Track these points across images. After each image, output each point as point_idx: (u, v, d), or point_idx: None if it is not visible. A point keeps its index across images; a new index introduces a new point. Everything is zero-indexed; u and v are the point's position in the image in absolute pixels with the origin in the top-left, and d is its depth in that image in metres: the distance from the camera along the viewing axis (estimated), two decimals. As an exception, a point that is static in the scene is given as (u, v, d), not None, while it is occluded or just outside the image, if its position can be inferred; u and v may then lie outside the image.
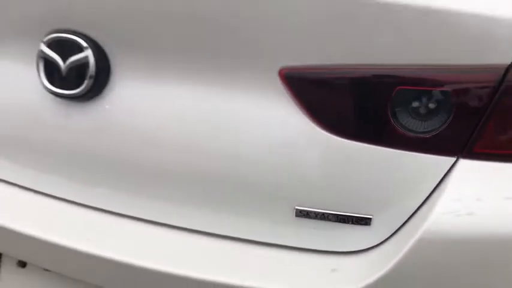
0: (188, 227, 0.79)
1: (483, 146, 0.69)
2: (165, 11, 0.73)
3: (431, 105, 0.68)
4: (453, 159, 0.69)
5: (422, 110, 0.69)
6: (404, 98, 0.69)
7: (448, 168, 0.69)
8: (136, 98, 0.79)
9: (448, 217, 0.66)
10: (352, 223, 0.73)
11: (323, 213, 0.73)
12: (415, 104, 0.69)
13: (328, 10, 0.66)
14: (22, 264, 0.91)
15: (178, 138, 0.77)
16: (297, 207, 0.74)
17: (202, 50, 0.73)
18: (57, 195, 0.87)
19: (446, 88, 0.67)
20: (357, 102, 0.71)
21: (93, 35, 0.78)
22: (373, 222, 0.72)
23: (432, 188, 0.69)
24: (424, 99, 0.68)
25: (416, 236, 0.66)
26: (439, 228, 0.66)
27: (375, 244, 0.72)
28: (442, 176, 0.69)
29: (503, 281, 0.67)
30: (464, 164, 0.69)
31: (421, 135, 0.69)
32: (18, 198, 0.90)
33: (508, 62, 0.65)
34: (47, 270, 0.88)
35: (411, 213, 0.70)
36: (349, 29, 0.67)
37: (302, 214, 0.74)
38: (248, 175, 0.75)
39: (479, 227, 0.65)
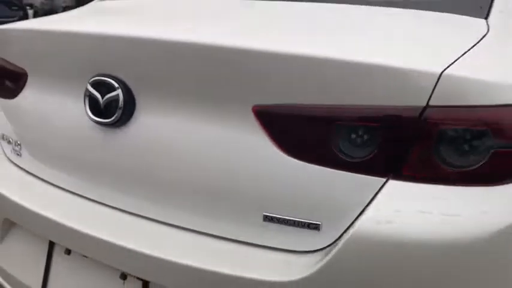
0: (184, 225, 1.02)
1: (408, 170, 0.86)
2: (172, 67, 0.98)
3: (366, 137, 0.87)
4: (384, 179, 0.86)
5: (358, 140, 0.88)
6: (344, 130, 0.88)
7: (379, 187, 0.86)
8: (152, 127, 1.04)
9: (371, 224, 0.83)
10: (306, 228, 0.91)
11: (284, 219, 0.93)
12: (353, 135, 0.88)
13: (285, 69, 0.88)
14: (68, 251, 1.18)
15: (177, 159, 1.01)
16: (264, 213, 0.94)
17: (198, 94, 0.98)
18: (93, 198, 1.14)
19: (376, 124, 0.86)
20: (310, 133, 0.90)
21: (122, 78, 1.04)
22: (322, 228, 0.90)
23: (367, 202, 0.87)
24: (359, 132, 0.87)
25: (345, 238, 0.84)
26: (362, 232, 0.83)
27: (323, 246, 0.90)
28: (375, 192, 0.86)
29: (412, 277, 0.83)
30: (392, 183, 0.86)
31: (358, 160, 0.88)
32: (67, 199, 1.18)
33: (424, 104, 0.83)
34: (85, 256, 1.13)
35: (351, 222, 0.88)
36: (302, 80, 0.88)
37: (268, 219, 0.94)
38: (228, 189, 0.97)
39: (395, 232, 0.82)
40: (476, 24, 1.05)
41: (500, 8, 1.12)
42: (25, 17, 10.45)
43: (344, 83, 0.86)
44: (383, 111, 0.85)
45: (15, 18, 9.89)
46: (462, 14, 1.09)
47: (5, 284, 1.35)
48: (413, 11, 1.13)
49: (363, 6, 1.21)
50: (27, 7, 18.45)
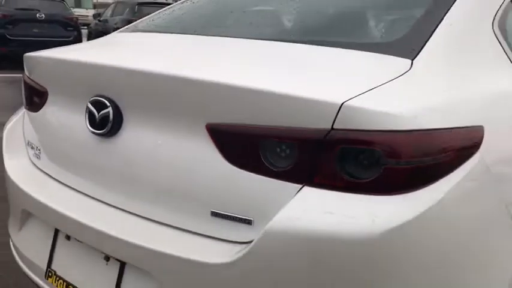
0: (149, 217, 1.28)
1: (318, 179, 1.08)
2: (148, 91, 1.25)
3: (286, 151, 1.10)
4: (299, 186, 1.09)
5: (281, 154, 1.11)
6: (270, 145, 1.11)
7: (296, 191, 1.09)
8: (134, 138, 1.31)
9: (284, 220, 1.06)
10: (242, 223, 1.15)
11: (226, 215, 1.17)
12: (276, 149, 1.11)
13: (227, 96, 1.14)
14: (68, 237, 1.46)
15: (148, 164, 1.27)
16: (212, 209, 1.19)
17: (167, 113, 1.24)
18: (89, 194, 1.41)
19: (293, 141, 1.09)
20: (246, 146, 1.14)
21: (113, 98, 1.32)
22: (254, 223, 1.13)
23: (285, 203, 1.09)
24: (281, 147, 1.11)
25: (263, 230, 1.07)
26: (276, 226, 1.06)
27: (254, 238, 1.13)
28: (292, 196, 1.09)
29: (316, 265, 1.04)
30: (305, 189, 1.08)
31: (280, 169, 1.11)
32: (70, 195, 1.46)
33: (329, 127, 1.05)
34: (79, 241, 1.41)
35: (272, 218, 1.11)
36: (240, 105, 1.13)
37: (214, 214, 1.18)
38: (185, 189, 1.22)
39: (302, 227, 1.04)
40: (401, 63, 1.27)
41: (429, 51, 1.32)
42: (79, 37, 11.19)
43: (270, 108, 1.10)
44: (298, 132, 1.08)
45: (70, 38, 10.63)
46: (390, 55, 1.30)
47: (20, 262, 1.65)
48: (345, 50, 1.36)
49: (303, 45, 1.44)
50: (84, 27, 19.52)
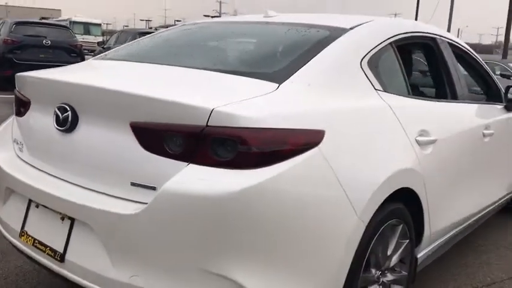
0: (88, 187, 1.82)
1: (199, 158, 1.63)
2: (93, 99, 1.83)
3: (179, 140, 1.65)
4: (186, 163, 1.64)
5: (175, 141, 1.66)
6: (168, 136, 1.67)
7: (184, 166, 1.64)
8: (85, 132, 1.88)
9: (171, 184, 1.60)
10: (151, 189, 1.69)
11: (140, 184, 1.71)
12: (173, 138, 1.66)
13: (141, 103, 1.70)
14: (37, 205, 2.00)
15: (91, 151, 1.83)
16: (131, 181, 1.73)
17: (104, 115, 1.81)
18: (54, 174, 1.97)
19: (183, 134, 1.64)
20: (155, 138, 1.69)
21: (72, 105, 1.89)
22: (157, 189, 1.67)
23: (175, 174, 1.64)
24: (176, 137, 1.66)
25: (158, 191, 1.62)
26: (166, 188, 1.60)
27: (158, 199, 1.67)
28: (181, 169, 1.63)
29: (190, 214, 1.58)
30: (190, 165, 1.63)
31: (175, 152, 1.65)
32: (42, 175, 2.01)
33: (205, 124, 1.61)
34: (46, 207, 1.95)
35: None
36: (151, 109, 1.69)
37: (133, 184, 1.73)
38: (114, 169, 1.77)
39: (183, 188, 1.58)
40: (270, 86, 1.83)
41: (293, 79, 1.89)
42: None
43: (169, 111, 1.66)
44: (186, 127, 1.63)
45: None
46: (266, 80, 1.87)
47: (1, 229, 2.19)
48: (237, 76, 1.93)
49: (209, 71, 2.02)
50: (91, 53, 20.21)
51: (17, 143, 2.25)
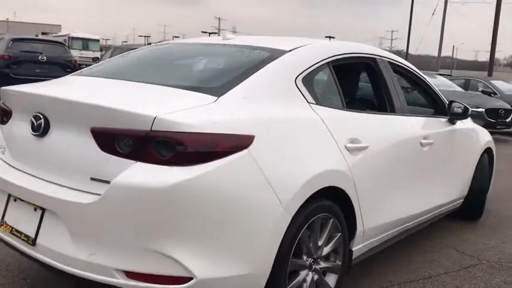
0: (55, 182, 2.19)
1: (144, 158, 1.99)
2: (60, 110, 2.20)
3: (129, 142, 2.02)
4: (134, 161, 2.00)
5: (126, 143, 2.02)
6: (121, 139, 2.04)
7: (132, 164, 2.00)
8: (55, 137, 2.24)
9: (119, 179, 1.96)
10: (106, 183, 2.04)
11: (97, 178, 2.07)
12: (124, 141, 2.03)
13: (97, 111, 2.08)
14: (15, 199, 2.36)
15: (57, 151, 2.20)
16: (91, 176, 2.09)
17: (70, 122, 2.18)
18: (29, 172, 2.33)
19: (132, 137, 2.01)
20: (109, 140, 2.06)
21: (44, 113, 2.26)
22: (111, 183, 2.03)
23: (126, 170, 2.00)
24: (126, 140, 2.02)
25: (109, 185, 1.98)
26: (115, 182, 1.97)
27: (110, 191, 2.04)
28: (129, 166, 2.00)
29: (133, 202, 1.94)
30: (137, 163, 1.99)
31: (125, 152, 2.02)
32: (19, 174, 2.38)
33: (149, 129, 1.98)
34: (21, 200, 2.31)
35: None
36: (105, 116, 2.07)
37: (92, 179, 2.09)
38: (73, 165, 2.13)
39: (127, 182, 1.95)
40: (210, 99, 2.20)
41: (231, 93, 2.27)
42: (77, 78, 12.29)
43: (120, 118, 2.03)
44: (134, 131, 2.00)
45: (68, 79, 11.73)
46: (208, 94, 2.24)
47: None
48: (184, 90, 2.31)
49: (161, 86, 2.39)
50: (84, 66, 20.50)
51: (0, 148, 2.62)
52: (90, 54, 36.85)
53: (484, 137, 4.74)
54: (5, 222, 2.39)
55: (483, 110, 11.33)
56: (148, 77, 2.66)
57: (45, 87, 2.64)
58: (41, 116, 2.27)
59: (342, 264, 2.76)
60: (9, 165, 2.50)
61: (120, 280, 2.01)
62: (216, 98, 2.23)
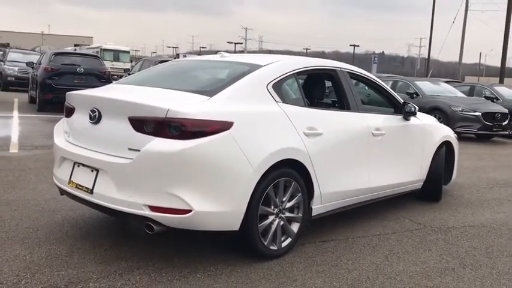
0: (101, 151, 3.40)
1: (162, 135, 3.18)
2: (108, 106, 3.43)
3: (150, 126, 3.22)
4: (154, 137, 3.20)
5: (149, 126, 3.22)
6: (146, 124, 3.23)
7: (153, 139, 3.19)
8: (105, 124, 3.47)
9: (147, 147, 3.16)
10: (136, 151, 3.24)
11: (132, 148, 3.27)
12: (148, 125, 3.22)
13: (124, 105, 3.29)
14: (78, 165, 3.59)
15: (106, 132, 3.42)
16: (128, 147, 3.30)
17: (114, 114, 3.40)
18: (86, 147, 3.57)
19: (151, 123, 3.20)
20: (139, 126, 3.26)
21: (98, 108, 3.50)
22: (141, 151, 3.22)
23: (149, 143, 3.19)
24: (149, 124, 3.22)
25: (140, 152, 3.17)
26: (143, 149, 3.16)
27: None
28: (151, 140, 3.19)
29: (158, 164, 3.13)
30: (156, 139, 3.18)
31: (149, 132, 3.21)
32: (78, 148, 3.62)
33: (164, 116, 3.16)
34: (84, 165, 3.54)
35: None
36: (136, 109, 3.28)
37: (129, 149, 3.29)
38: (118, 142, 3.34)
39: (151, 149, 3.14)
40: (204, 98, 3.39)
41: (220, 94, 3.45)
42: (110, 87, 13.68)
43: (144, 110, 3.22)
44: (154, 118, 3.18)
45: (102, 88, 13.13)
46: (203, 95, 3.42)
47: (56, 181, 3.79)
48: (186, 92, 3.50)
49: (170, 90, 3.62)
50: (120, 78, 22.03)
51: (66, 133, 3.86)
52: (120, 65, 38.68)
53: (442, 132, 5.80)
54: (72, 181, 3.61)
55: (480, 114, 12.23)
56: (165, 84, 3.87)
57: (98, 91, 3.88)
58: (96, 110, 3.49)
59: (303, 217, 3.88)
60: (73, 144, 3.73)
61: (146, 212, 3.19)
62: (209, 97, 3.42)
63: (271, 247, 3.64)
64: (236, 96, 3.54)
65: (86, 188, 3.47)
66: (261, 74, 3.79)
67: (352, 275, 3.50)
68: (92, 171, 3.46)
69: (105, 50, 39.51)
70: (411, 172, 5.28)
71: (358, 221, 4.78)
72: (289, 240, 3.78)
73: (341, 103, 4.50)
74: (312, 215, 4.01)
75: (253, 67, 3.85)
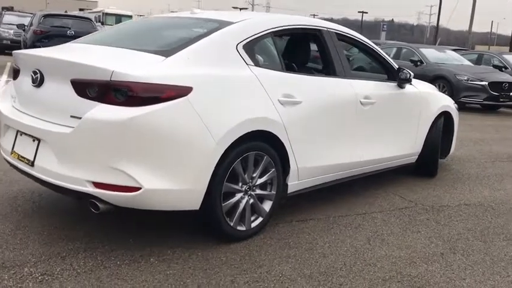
0: (43, 118, 2.99)
1: (105, 100, 2.75)
2: (52, 67, 2.99)
3: (96, 89, 2.79)
4: (98, 103, 2.77)
5: (93, 89, 2.79)
6: (89, 86, 2.80)
7: (96, 105, 2.77)
8: (48, 86, 3.04)
9: (88, 115, 2.74)
10: (78, 118, 2.82)
11: (74, 116, 2.85)
12: (92, 88, 2.79)
13: (70, 66, 2.86)
14: (21, 133, 3.18)
15: (46, 96, 2.99)
16: (70, 114, 2.88)
17: (57, 75, 2.97)
18: (29, 114, 3.15)
19: (97, 85, 2.77)
20: (82, 89, 2.83)
21: (40, 69, 3.06)
22: (82, 118, 2.81)
23: (89, 111, 2.77)
24: (93, 87, 2.79)
25: (81, 119, 2.76)
26: (84, 117, 2.74)
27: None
28: (94, 107, 2.77)
29: (95, 133, 2.72)
30: (100, 104, 2.76)
31: (93, 96, 2.78)
32: (21, 115, 3.20)
33: (109, 79, 2.73)
34: (26, 134, 3.13)
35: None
36: (80, 70, 2.84)
37: (71, 116, 2.87)
38: (60, 107, 2.92)
39: (92, 117, 2.72)
40: (160, 58, 2.94)
41: (177, 54, 2.99)
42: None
43: (88, 71, 2.79)
44: (99, 81, 2.75)
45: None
46: (159, 55, 2.97)
47: (2, 152, 3.39)
48: (141, 52, 3.05)
49: (125, 49, 3.16)
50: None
51: (13, 97, 3.44)
52: (122, 30, 37.96)
53: (441, 101, 5.31)
54: (14, 151, 3.21)
55: (486, 83, 11.66)
56: (121, 43, 3.41)
57: (43, 50, 3.43)
58: (38, 72, 3.06)
59: (277, 194, 3.48)
60: (18, 110, 3.31)
61: (89, 188, 2.80)
62: (165, 58, 2.97)
63: (239, 227, 3.26)
64: (198, 57, 3.08)
65: (27, 159, 3.08)
66: (230, 32, 3.32)
67: (327, 260, 3.12)
68: (34, 141, 3.06)
69: (107, 14, 38.91)
70: (404, 145, 4.84)
71: (344, 197, 4.38)
72: (260, 219, 3.39)
73: (326, 68, 4.03)
74: (288, 192, 3.60)
75: (223, 24, 3.38)
